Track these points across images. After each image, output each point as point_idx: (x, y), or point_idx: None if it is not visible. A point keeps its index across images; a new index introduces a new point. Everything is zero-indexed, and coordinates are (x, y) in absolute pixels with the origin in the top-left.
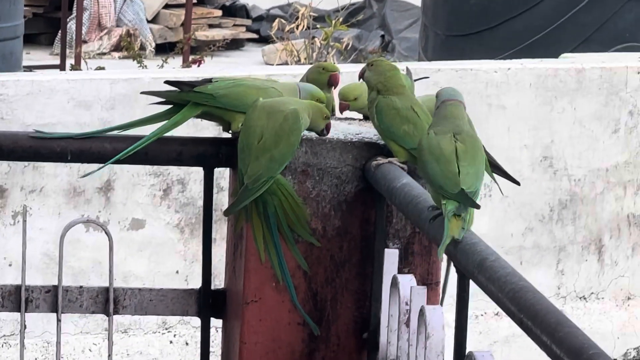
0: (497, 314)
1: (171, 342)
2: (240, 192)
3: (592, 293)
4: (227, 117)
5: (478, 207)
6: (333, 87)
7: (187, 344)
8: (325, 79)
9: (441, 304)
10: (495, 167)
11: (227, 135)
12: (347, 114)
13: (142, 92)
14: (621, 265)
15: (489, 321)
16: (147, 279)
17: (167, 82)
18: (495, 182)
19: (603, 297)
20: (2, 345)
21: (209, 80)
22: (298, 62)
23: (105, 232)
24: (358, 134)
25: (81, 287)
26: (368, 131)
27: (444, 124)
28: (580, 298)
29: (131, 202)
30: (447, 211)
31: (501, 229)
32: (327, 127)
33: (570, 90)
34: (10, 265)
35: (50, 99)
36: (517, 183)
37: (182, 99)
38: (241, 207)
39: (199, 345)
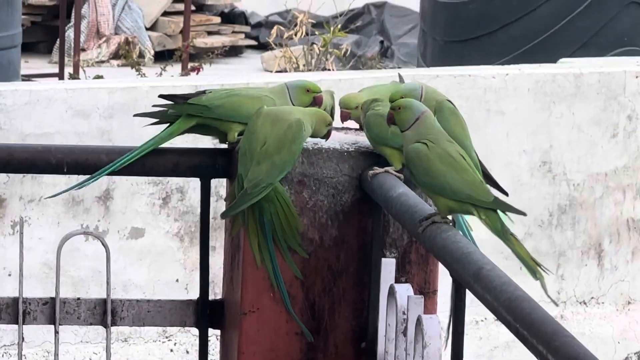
0: (497, 320)
1: (172, 350)
2: (239, 196)
3: (592, 298)
4: (223, 127)
5: (524, 213)
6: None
7: (187, 352)
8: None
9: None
10: (485, 176)
11: (224, 146)
12: (339, 120)
13: (135, 115)
14: (621, 270)
15: (489, 327)
16: (147, 287)
17: (161, 95)
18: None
19: (603, 301)
20: (3, 355)
21: (203, 92)
22: (297, 69)
23: (102, 244)
24: (354, 144)
25: (79, 299)
26: (364, 141)
27: (430, 133)
28: (580, 303)
29: (130, 211)
30: (499, 231)
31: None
32: (328, 133)
33: (569, 95)
34: (9, 275)
35: (48, 108)
36: (506, 194)
37: (177, 111)
38: (239, 211)
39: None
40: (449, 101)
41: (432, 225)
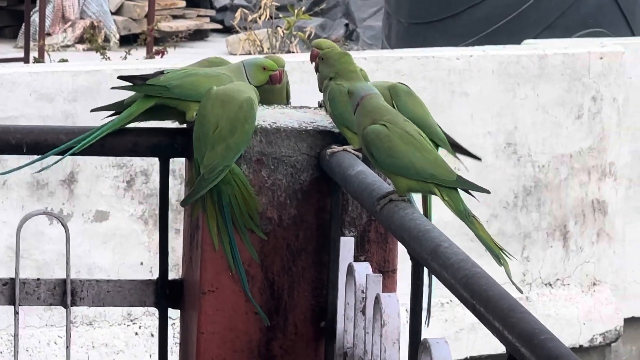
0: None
1: (136, 333)
2: (197, 182)
3: (558, 279)
4: (182, 107)
5: (488, 191)
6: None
7: (152, 335)
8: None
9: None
10: (455, 146)
11: (182, 126)
12: (302, 102)
13: (92, 110)
14: (586, 251)
15: (454, 309)
16: (111, 271)
17: (120, 77)
18: (460, 161)
19: (568, 283)
20: None
21: (161, 72)
22: (261, 52)
23: (62, 224)
24: (312, 122)
25: (38, 279)
26: (322, 120)
27: (385, 114)
28: (545, 285)
29: (95, 194)
30: (461, 212)
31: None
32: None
33: (533, 76)
34: None
35: (12, 92)
36: (479, 159)
37: (135, 92)
38: (197, 197)
39: None
40: (401, 83)
41: (389, 204)
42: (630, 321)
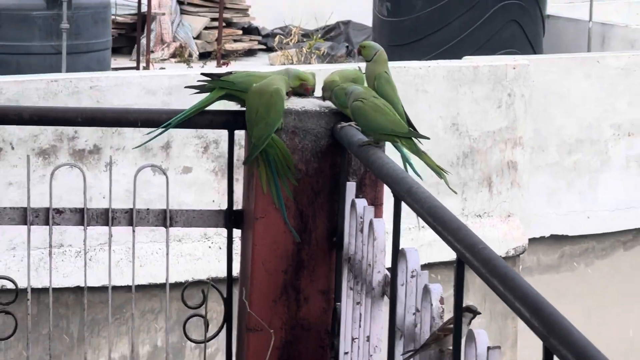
0: (423, 227)
1: (210, 247)
2: (251, 148)
3: (485, 212)
4: (243, 96)
5: (428, 137)
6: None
7: (220, 248)
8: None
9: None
10: (409, 124)
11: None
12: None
13: (185, 87)
14: (504, 195)
15: (418, 232)
16: (194, 206)
17: (202, 74)
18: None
19: (492, 215)
20: (100, 250)
21: (230, 73)
22: (291, 63)
23: (164, 173)
24: (328, 107)
25: (148, 209)
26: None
27: (361, 95)
28: (477, 216)
29: (183, 156)
30: (414, 150)
31: (424, 171)
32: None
33: (469, 80)
34: (104, 198)
35: (128, 89)
36: (427, 138)
37: (212, 85)
38: (252, 158)
39: None
40: (386, 72)
41: (369, 146)
42: (532, 240)
